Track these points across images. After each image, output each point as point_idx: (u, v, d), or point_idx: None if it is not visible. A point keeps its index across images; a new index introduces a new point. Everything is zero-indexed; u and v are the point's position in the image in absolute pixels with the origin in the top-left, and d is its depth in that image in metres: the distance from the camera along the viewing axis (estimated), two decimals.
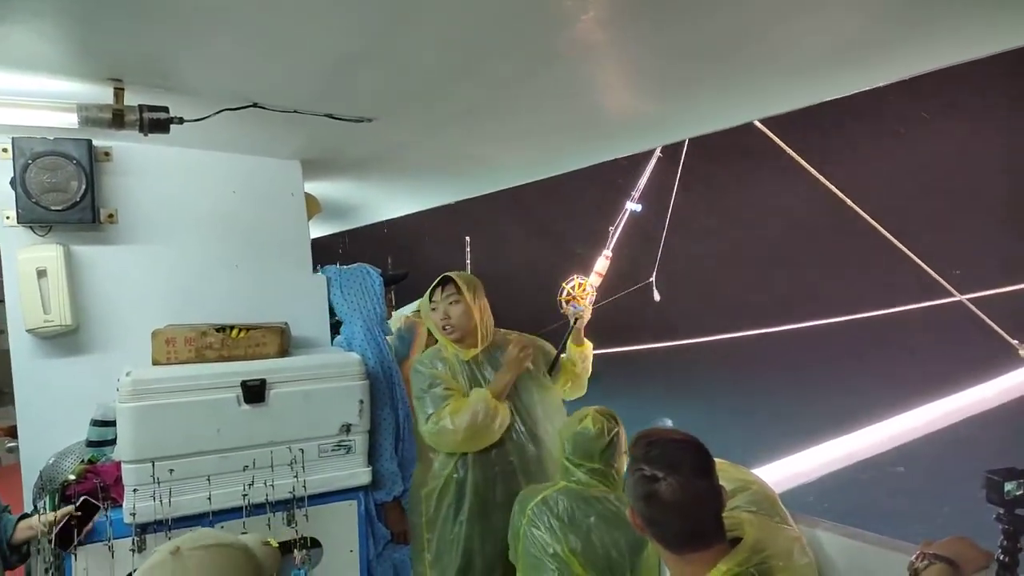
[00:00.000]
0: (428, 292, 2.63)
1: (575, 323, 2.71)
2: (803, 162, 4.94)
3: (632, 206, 3.41)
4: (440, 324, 2.58)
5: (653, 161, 3.42)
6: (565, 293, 2.74)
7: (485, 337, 2.61)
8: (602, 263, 2.97)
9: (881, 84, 2.23)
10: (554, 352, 2.73)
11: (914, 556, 1.34)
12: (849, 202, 5.46)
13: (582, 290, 2.74)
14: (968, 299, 6.31)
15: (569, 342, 2.74)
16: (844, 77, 2.23)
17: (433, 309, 2.60)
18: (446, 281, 2.60)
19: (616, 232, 3.20)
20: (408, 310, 3.41)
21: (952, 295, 6.19)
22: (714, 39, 1.78)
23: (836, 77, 2.23)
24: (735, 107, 2.62)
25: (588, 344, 2.79)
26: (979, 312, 6.18)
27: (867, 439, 10.42)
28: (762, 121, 3.41)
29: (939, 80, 2.15)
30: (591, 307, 2.76)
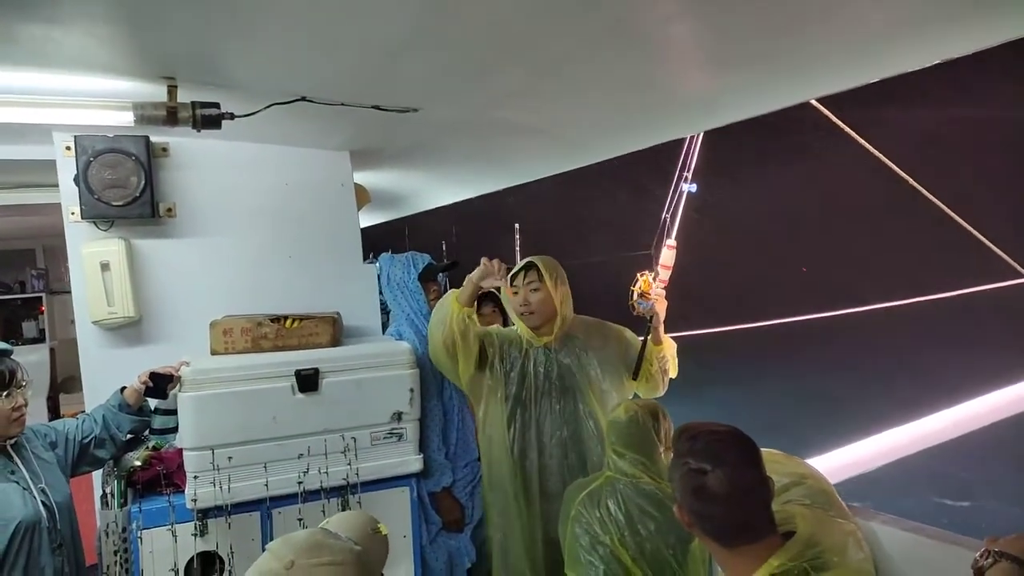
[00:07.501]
0: (510, 275, 2.59)
1: (651, 320, 2.62)
2: (858, 137, 4.77)
3: (686, 187, 3.20)
4: (519, 310, 2.57)
5: (699, 141, 3.25)
6: (635, 295, 2.64)
7: (563, 324, 2.58)
8: (667, 254, 2.76)
9: (948, 58, 2.13)
10: (638, 347, 2.64)
11: (978, 553, 1.28)
12: (912, 181, 5.27)
13: (648, 286, 2.64)
14: None
15: (649, 341, 2.63)
16: (910, 52, 2.13)
17: (514, 293, 2.58)
18: (529, 267, 2.58)
19: (676, 217, 2.99)
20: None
21: (1021, 275, 5.95)
22: (776, 12, 1.71)
23: (904, 52, 2.12)
24: (795, 84, 2.51)
25: (669, 343, 2.67)
26: None
27: (931, 426, 10.10)
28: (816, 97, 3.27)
29: (1004, 48, 2.03)
30: (664, 301, 2.65)
